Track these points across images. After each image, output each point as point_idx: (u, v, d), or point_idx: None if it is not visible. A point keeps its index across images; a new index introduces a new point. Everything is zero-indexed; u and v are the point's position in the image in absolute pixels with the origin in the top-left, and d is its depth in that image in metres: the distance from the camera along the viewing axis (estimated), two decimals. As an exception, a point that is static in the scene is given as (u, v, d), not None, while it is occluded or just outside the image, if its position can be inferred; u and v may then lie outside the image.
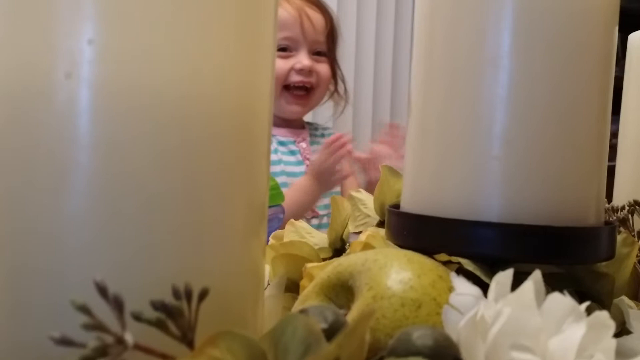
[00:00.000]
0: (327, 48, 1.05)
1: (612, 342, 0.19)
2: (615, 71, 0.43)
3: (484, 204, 0.28)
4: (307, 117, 1.17)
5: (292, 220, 0.39)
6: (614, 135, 0.44)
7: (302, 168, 1.06)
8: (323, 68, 1.04)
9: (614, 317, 0.28)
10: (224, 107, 0.19)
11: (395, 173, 0.37)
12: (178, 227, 0.18)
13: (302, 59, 1.01)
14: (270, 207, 0.74)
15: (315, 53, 1.04)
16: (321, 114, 1.24)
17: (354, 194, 0.39)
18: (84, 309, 0.14)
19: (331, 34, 1.06)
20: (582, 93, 0.28)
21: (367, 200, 0.38)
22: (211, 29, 0.19)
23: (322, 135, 1.13)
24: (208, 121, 0.18)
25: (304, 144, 1.08)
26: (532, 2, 0.28)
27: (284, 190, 1.02)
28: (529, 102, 0.28)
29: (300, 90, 1.03)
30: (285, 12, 1.01)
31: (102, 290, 0.14)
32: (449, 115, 0.29)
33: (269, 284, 0.34)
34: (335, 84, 1.10)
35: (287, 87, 1.02)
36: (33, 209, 0.17)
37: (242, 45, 0.19)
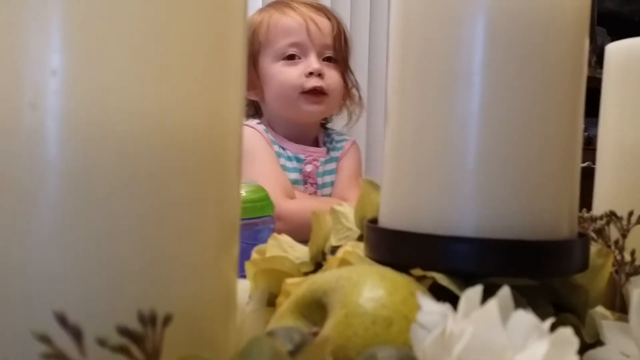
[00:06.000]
0: (335, 52, 1.02)
1: (575, 359, 0.19)
2: (600, 74, 0.44)
3: (459, 218, 0.28)
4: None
5: (275, 234, 0.39)
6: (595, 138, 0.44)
7: (301, 188, 1.02)
8: (333, 74, 1.02)
9: (589, 327, 0.29)
10: (192, 136, 0.19)
11: (375, 187, 0.37)
12: (146, 255, 0.19)
13: (312, 63, 0.99)
14: (260, 217, 0.73)
15: (324, 59, 1.01)
16: (337, 123, 1.18)
17: (336, 207, 0.39)
18: (44, 339, 0.14)
19: (339, 37, 1.03)
20: (554, 108, 0.29)
21: (349, 213, 0.38)
22: (178, 59, 0.19)
23: (339, 149, 1.07)
24: (175, 151, 0.19)
25: (309, 167, 1.03)
26: (504, 19, 0.28)
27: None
28: (501, 118, 0.28)
29: (315, 95, 1.00)
30: (290, 18, 1.01)
31: (62, 320, 0.14)
32: (424, 131, 0.29)
33: (250, 299, 0.34)
34: (348, 91, 1.07)
35: (302, 93, 1.00)
36: (-2, 239, 0.17)
37: (210, 76, 0.20)
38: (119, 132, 0.18)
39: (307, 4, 1.04)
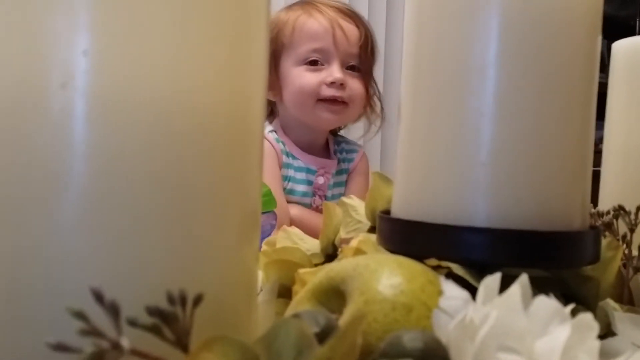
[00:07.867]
0: (360, 61, 0.99)
1: (596, 343, 0.19)
2: (602, 77, 0.44)
3: (473, 209, 0.29)
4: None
5: (285, 226, 0.39)
6: (599, 141, 0.45)
7: (308, 199, 1.01)
8: (356, 84, 0.98)
9: (599, 319, 0.29)
10: (217, 118, 0.19)
11: (386, 180, 0.37)
12: (172, 236, 0.19)
13: (334, 72, 0.95)
14: (262, 213, 0.74)
15: (348, 67, 0.98)
16: (353, 133, 1.16)
17: (346, 200, 0.39)
18: (80, 315, 0.14)
19: (365, 46, 0.99)
20: (566, 101, 0.29)
21: (359, 206, 0.38)
22: (204, 41, 0.19)
23: (350, 160, 1.06)
24: (201, 132, 0.19)
25: (321, 180, 1.01)
26: (518, 14, 0.29)
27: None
28: (515, 111, 0.29)
29: (334, 104, 0.97)
30: (317, 22, 0.97)
31: (98, 297, 0.14)
32: (437, 123, 0.30)
33: (261, 290, 0.34)
34: (369, 101, 1.03)
35: (320, 100, 0.97)
36: (29, 219, 0.17)
37: (234, 58, 0.20)
38: (149, 113, 0.18)
39: (336, 7, 1.00)
